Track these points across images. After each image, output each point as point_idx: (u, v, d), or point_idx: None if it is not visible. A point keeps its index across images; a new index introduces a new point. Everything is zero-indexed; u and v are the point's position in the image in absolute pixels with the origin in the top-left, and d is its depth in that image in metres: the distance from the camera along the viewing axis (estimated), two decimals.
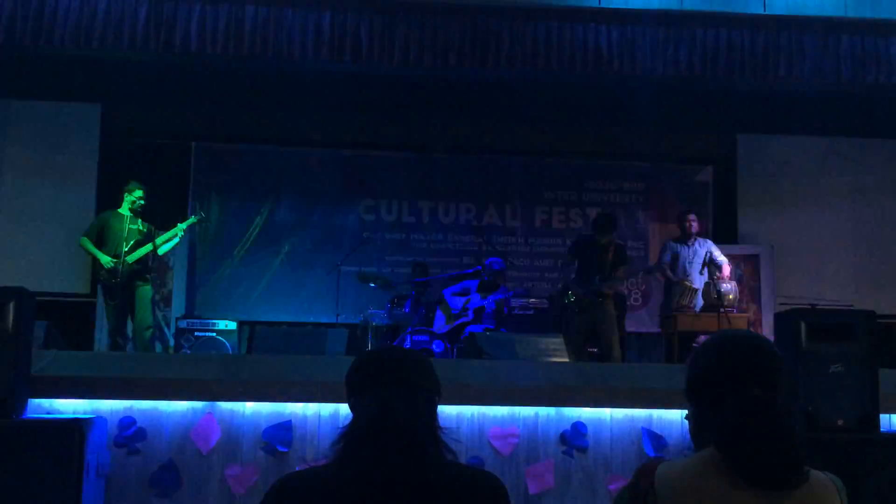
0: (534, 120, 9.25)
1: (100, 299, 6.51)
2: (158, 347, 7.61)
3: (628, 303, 8.92)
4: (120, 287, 6.46)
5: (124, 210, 6.74)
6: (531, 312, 8.06)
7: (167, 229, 6.89)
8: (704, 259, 7.39)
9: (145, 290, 6.74)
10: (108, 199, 8.70)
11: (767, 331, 7.72)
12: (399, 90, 8.35)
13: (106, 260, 6.46)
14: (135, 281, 6.61)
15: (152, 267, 6.97)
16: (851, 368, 4.05)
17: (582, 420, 4.43)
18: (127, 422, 4.26)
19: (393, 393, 1.65)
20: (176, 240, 6.88)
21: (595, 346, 6.99)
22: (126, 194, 6.76)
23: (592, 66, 7.03)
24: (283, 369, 4.51)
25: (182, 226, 6.93)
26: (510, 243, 9.37)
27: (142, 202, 6.78)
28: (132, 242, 6.59)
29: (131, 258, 6.56)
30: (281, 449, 4.28)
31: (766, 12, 6.89)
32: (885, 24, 6.99)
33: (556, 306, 8.16)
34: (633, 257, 9.38)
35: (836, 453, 3.69)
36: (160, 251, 6.86)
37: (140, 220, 6.76)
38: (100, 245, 6.56)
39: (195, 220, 7.14)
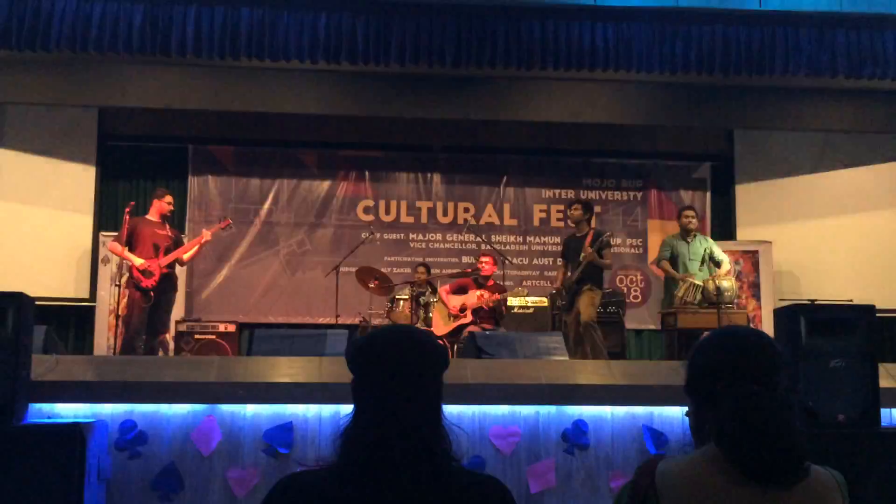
0: (530, 118, 9.24)
1: (134, 302, 6.62)
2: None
3: (628, 300, 8.93)
4: (152, 290, 6.58)
5: (153, 216, 6.84)
6: (530, 311, 8.07)
7: None
8: (703, 256, 7.39)
9: (172, 297, 6.90)
10: (107, 203, 8.74)
11: (767, 326, 7.73)
12: (395, 90, 8.34)
13: (139, 262, 6.56)
14: (165, 286, 6.73)
15: (177, 274, 7.09)
16: (851, 363, 4.05)
17: (583, 418, 4.43)
18: (128, 425, 4.26)
19: (400, 392, 1.62)
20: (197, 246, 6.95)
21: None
22: (155, 200, 6.87)
23: (588, 63, 7.04)
24: (284, 371, 4.51)
25: (207, 233, 7.02)
26: (508, 242, 9.38)
27: (171, 208, 6.93)
28: (163, 247, 6.70)
29: (164, 262, 6.67)
30: (282, 451, 4.27)
31: (762, 8, 6.90)
32: (880, 19, 7.00)
33: (554, 306, 8.19)
34: (631, 254, 9.43)
35: (836, 448, 3.68)
36: (185, 255, 6.93)
37: (168, 226, 6.89)
38: (131, 250, 6.67)
39: (220, 227, 7.19)
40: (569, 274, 7.13)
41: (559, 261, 7.52)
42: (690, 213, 7.52)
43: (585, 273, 6.92)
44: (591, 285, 6.93)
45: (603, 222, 9.16)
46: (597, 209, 9.25)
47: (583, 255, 6.90)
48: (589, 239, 6.98)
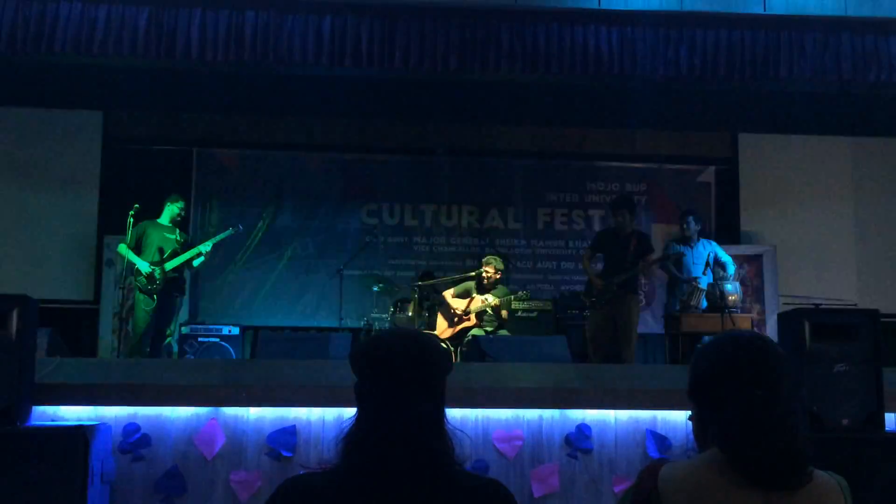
0: (535, 122, 9.25)
1: (138, 305, 6.74)
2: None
3: None
4: (157, 293, 6.68)
5: (164, 220, 6.94)
6: (534, 315, 8.06)
7: None
8: (707, 260, 7.38)
9: (179, 302, 7.04)
10: (111, 206, 8.75)
11: (771, 331, 7.73)
12: (400, 93, 8.35)
13: (144, 266, 6.64)
14: (171, 289, 6.83)
15: (185, 278, 7.14)
16: (856, 368, 4.04)
17: (586, 422, 4.42)
18: (131, 428, 4.26)
19: (404, 396, 1.62)
20: (209, 247, 6.97)
21: (610, 347, 6.95)
22: (168, 204, 6.97)
23: (593, 67, 7.03)
24: (287, 374, 4.51)
25: (217, 238, 7.06)
26: (512, 246, 9.38)
27: (182, 214, 7.05)
28: (170, 251, 6.80)
29: (169, 266, 6.75)
30: (285, 454, 4.28)
31: (766, 12, 6.88)
32: (886, 22, 6.98)
33: (563, 307, 8.18)
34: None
35: (840, 453, 3.68)
36: (194, 263, 7.00)
37: (178, 231, 6.98)
38: (138, 253, 6.76)
39: (231, 233, 7.23)
40: (595, 274, 7.09)
41: (585, 251, 7.42)
42: (689, 218, 7.53)
43: (630, 277, 6.90)
44: (636, 293, 7.00)
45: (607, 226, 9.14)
46: (600, 213, 9.27)
47: (642, 264, 6.85)
48: (635, 243, 6.92)
